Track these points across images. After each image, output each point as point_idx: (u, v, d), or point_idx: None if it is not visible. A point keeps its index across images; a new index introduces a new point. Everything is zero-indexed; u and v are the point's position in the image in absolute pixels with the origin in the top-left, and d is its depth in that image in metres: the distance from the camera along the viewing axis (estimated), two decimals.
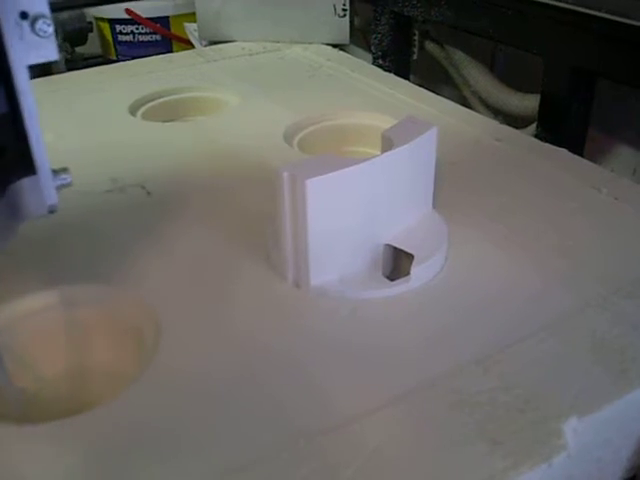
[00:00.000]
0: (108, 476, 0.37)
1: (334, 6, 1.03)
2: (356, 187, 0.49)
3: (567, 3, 0.79)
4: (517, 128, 0.81)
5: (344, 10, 1.03)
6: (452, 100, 0.86)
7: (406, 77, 1.04)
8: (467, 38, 1.01)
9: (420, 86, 0.89)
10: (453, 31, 1.02)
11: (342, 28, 1.03)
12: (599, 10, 0.76)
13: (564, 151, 0.72)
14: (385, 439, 0.39)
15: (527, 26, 0.83)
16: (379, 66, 1.03)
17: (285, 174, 0.47)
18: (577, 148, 0.81)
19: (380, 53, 1.06)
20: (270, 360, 0.45)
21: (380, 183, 0.50)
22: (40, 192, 0.37)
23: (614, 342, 0.46)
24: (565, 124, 0.80)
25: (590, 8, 0.77)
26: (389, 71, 0.99)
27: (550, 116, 0.82)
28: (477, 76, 1.00)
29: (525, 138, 0.76)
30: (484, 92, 0.99)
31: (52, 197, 0.37)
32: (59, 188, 0.38)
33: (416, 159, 0.53)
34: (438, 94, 0.87)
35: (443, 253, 0.53)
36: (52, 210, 0.38)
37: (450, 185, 0.63)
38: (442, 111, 0.81)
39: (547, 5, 0.80)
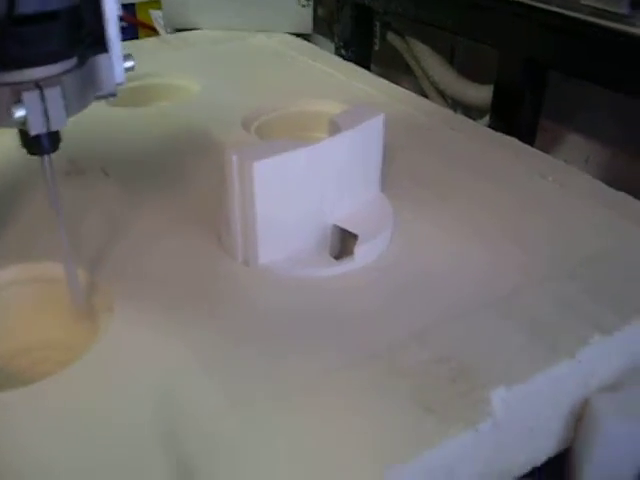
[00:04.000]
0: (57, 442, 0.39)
1: None
2: (302, 170, 0.51)
3: None
4: (474, 119, 0.84)
5: (307, 0, 1.04)
6: (412, 91, 0.88)
7: (367, 67, 1.05)
8: (427, 30, 1.04)
9: (381, 76, 0.91)
10: (414, 23, 1.04)
11: (305, 18, 1.05)
12: (550, 4, 0.79)
13: (514, 140, 0.74)
14: (325, 405, 0.41)
15: (482, 19, 0.85)
16: (341, 56, 1.05)
17: (234, 157, 0.49)
18: (529, 138, 0.84)
19: (342, 43, 1.08)
20: (220, 332, 0.47)
21: (326, 166, 0.52)
22: (111, 70, 0.42)
23: (550, 320, 0.49)
24: (517, 114, 0.83)
25: (542, 2, 0.80)
26: (351, 61, 1.00)
27: (503, 106, 0.85)
28: (436, 67, 1.02)
29: (478, 127, 0.78)
30: (442, 83, 1.01)
31: (120, 76, 0.43)
32: (127, 70, 0.43)
33: (362, 144, 0.55)
34: (399, 85, 0.89)
35: (387, 234, 0.55)
36: (120, 85, 0.43)
37: (400, 169, 0.65)
38: (398, 100, 0.83)
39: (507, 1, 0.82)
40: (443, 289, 0.51)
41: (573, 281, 0.53)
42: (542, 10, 0.79)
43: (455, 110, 1.03)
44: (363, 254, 0.53)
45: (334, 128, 0.54)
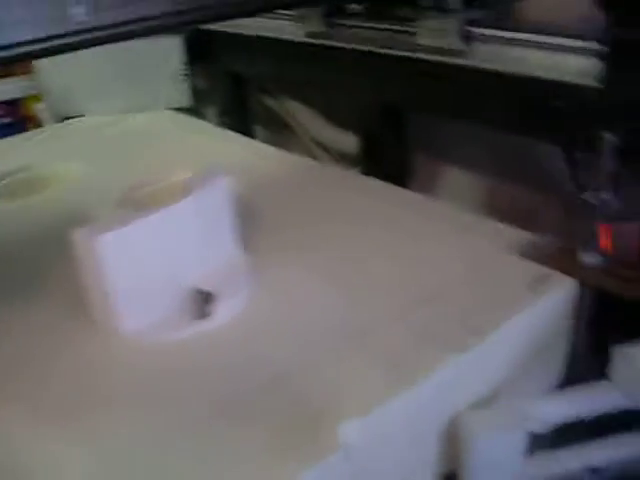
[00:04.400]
0: None
1: (173, 72, 1.08)
2: (150, 237, 0.53)
3: (372, 46, 0.86)
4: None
5: (183, 75, 1.08)
6: (295, 147, 0.91)
7: (249, 132, 1.09)
8: (299, 87, 1.08)
9: (268, 138, 0.95)
10: (286, 83, 1.09)
11: (183, 92, 1.09)
12: (394, 49, 0.84)
13: (377, 182, 0.78)
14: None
15: (333, 68, 0.89)
16: (222, 124, 1.08)
17: (79, 233, 0.51)
18: (399, 179, 0.88)
19: (221, 111, 1.12)
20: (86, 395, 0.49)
21: (175, 231, 0.55)
22: None
23: (404, 348, 0.51)
24: (383, 158, 0.87)
25: (387, 48, 0.84)
26: (231, 128, 1.04)
27: (369, 152, 0.89)
28: (311, 122, 1.06)
29: (345, 176, 0.82)
30: (319, 137, 1.05)
31: None
32: None
33: (209, 206, 0.57)
34: (285, 144, 0.92)
35: (244, 290, 0.57)
36: None
37: (264, 226, 0.68)
38: (270, 160, 0.86)
39: (353, 50, 0.87)
40: (299, 336, 0.53)
41: (428, 308, 0.55)
42: (387, 56, 0.83)
43: (342, 161, 1.07)
44: (221, 312, 0.55)
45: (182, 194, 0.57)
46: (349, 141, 1.00)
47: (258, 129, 1.15)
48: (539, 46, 0.73)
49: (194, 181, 0.59)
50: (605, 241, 0.71)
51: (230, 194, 0.60)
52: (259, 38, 1.01)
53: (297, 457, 0.42)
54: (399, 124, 0.87)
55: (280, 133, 1.18)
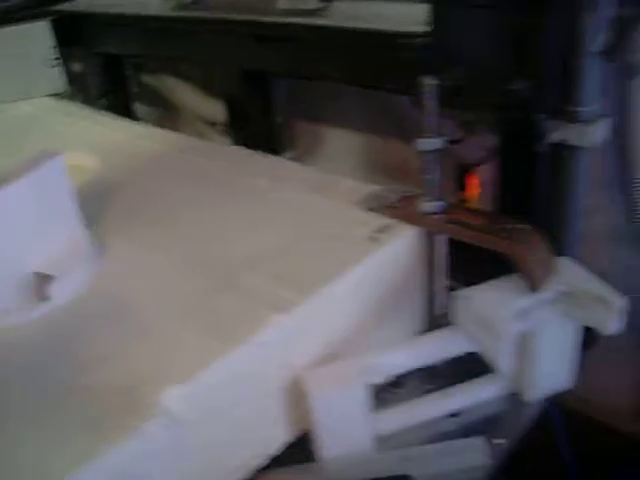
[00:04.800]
0: None
1: (44, 57, 1.05)
2: None
3: (235, 14, 0.86)
4: None
5: (55, 60, 1.06)
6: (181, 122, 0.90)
7: (130, 112, 1.08)
8: (173, 62, 1.07)
9: (148, 116, 0.93)
10: (158, 59, 1.07)
11: (57, 78, 1.06)
12: (252, 14, 0.83)
13: (240, 149, 0.78)
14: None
15: (203, 41, 0.89)
16: (102, 106, 1.07)
17: None
18: (267, 143, 0.88)
19: (99, 93, 1.10)
20: None
21: (9, 216, 0.54)
22: None
23: (226, 315, 0.51)
24: (250, 124, 0.86)
25: (245, 14, 0.84)
26: (110, 109, 1.02)
27: (235, 118, 0.88)
28: (188, 96, 1.05)
29: (208, 146, 0.81)
30: (197, 110, 1.04)
31: None
32: None
33: (43, 188, 0.56)
34: (168, 121, 0.91)
35: (85, 271, 0.57)
36: None
37: (120, 204, 0.68)
38: (144, 139, 0.85)
39: (216, 20, 0.86)
40: (133, 313, 0.53)
41: (261, 270, 0.55)
42: (247, 22, 0.82)
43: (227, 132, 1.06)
44: (61, 292, 0.54)
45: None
46: (222, 111, 1.00)
47: (141, 108, 1.14)
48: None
49: (27, 164, 0.57)
50: (473, 191, 0.72)
51: (66, 174, 0.58)
52: (126, 16, 0.99)
53: (117, 429, 0.42)
54: (264, 90, 0.87)
55: (164, 109, 1.17)
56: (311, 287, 0.52)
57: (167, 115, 1.01)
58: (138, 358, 0.48)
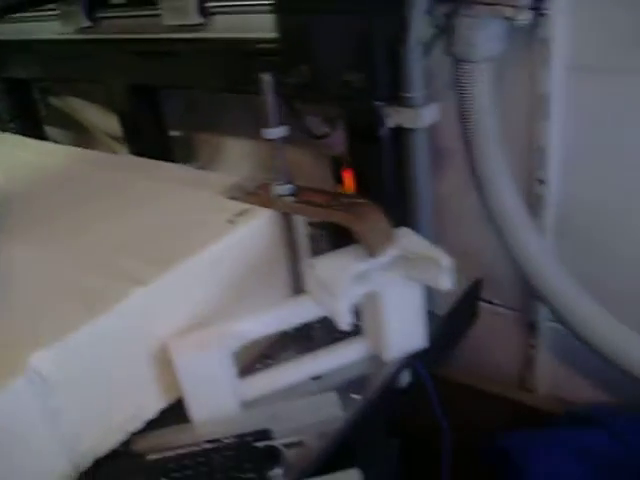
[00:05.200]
0: None
1: None
2: None
3: (128, 33, 0.92)
4: None
5: None
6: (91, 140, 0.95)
7: (41, 133, 1.13)
8: (75, 83, 1.13)
9: (60, 137, 0.98)
10: (62, 81, 1.13)
11: None
12: (144, 33, 0.89)
13: (132, 157, 0.84)
14: None
15: (99, 61, 0.95)
16: (12, 130, 1.12)
17: None
18: (163, 152, 0.94)
19: (8, 118, 1.15)
20: None
21: None
22: None
23: (93, 290, 0.57)
24: (140, 136, 0.92)
25: (137, 33, 0.90)
26: (22, 133, 1.08)
27: (128, 131, 0.94)
28: (92, 114, 1.11)
29: (103, 156, 0.88)
30: (101, 126, 1.10)
31: None
32: None
33: None
34: (79, 139, 0.96)
35: None
36: None
37: (11, 209, 0.74)
38: (46, 154, 0.91)
39: (110, 40, 0.92)
40: (19, 290, 0.59)
41: (129, 254, 0.62)
42: (136, 40, 0.89)
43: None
44: None
45: None
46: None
47: (52, 130, 1.19)
48: (256, 10, 0.80)
49: None
50: (348, 183, 0.78)
51: None
52: (28, 41, 1.04)
53: None
54: (154, 104, 0.93)
55: (74, 130, 1.22)
56: (169, 264, 0.58)
57: (78, 135, 1.06)
58: (10, 325, 0.53)
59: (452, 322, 0.83)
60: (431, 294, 0.73)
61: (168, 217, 0.67)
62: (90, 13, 0.98)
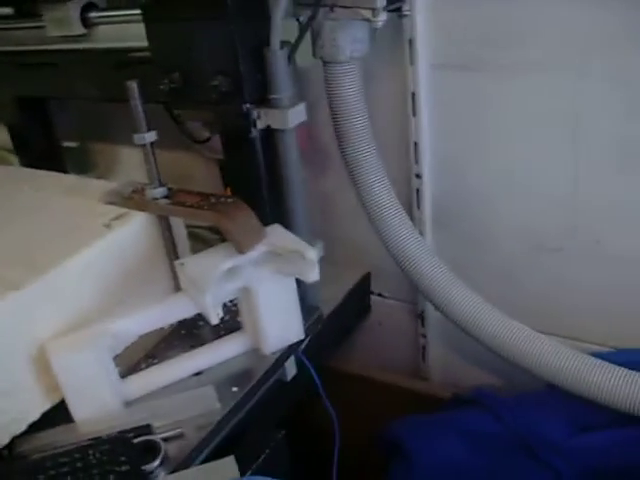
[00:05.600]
0: None
1: None
2: None
3: (15, 45, 0.92)
4: None
5: None
6: None
7: None
8: None
9: None
10: None
11: None
12: (28, 44, 0.90)
13: (20, 169, 0.85)
14: None
15: None
16: None
17: None
18: (56, 164, 0.95)
19: None
20: None
21: None
22: None
23: None
24: (29, 147, 0.93)
25: (21, 45, 0.91)
26: None
27: (17, 142, 0.95)
28: None
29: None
30: None
31: None
32: None
33: None
34: None
35: None
36: None
37: None
38: None
39: None
40: None
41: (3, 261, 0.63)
42: (15, 52, 0.89)
43: None
44: None
45: None
46: None
47: None
48: (135, 20, 0.81)
49: None
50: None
51: None
52: None
53: None
54: (41, 115, 0.94)
55: None
56: (44, 268, 0.60)
57: None
58: None
59: (341, 315, 0.87)
60: (318, 289, 0.76)
61: (49, 225, 0.68)
62: None
